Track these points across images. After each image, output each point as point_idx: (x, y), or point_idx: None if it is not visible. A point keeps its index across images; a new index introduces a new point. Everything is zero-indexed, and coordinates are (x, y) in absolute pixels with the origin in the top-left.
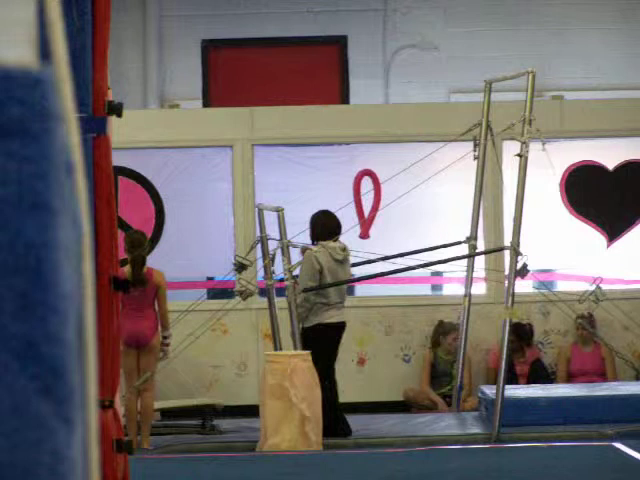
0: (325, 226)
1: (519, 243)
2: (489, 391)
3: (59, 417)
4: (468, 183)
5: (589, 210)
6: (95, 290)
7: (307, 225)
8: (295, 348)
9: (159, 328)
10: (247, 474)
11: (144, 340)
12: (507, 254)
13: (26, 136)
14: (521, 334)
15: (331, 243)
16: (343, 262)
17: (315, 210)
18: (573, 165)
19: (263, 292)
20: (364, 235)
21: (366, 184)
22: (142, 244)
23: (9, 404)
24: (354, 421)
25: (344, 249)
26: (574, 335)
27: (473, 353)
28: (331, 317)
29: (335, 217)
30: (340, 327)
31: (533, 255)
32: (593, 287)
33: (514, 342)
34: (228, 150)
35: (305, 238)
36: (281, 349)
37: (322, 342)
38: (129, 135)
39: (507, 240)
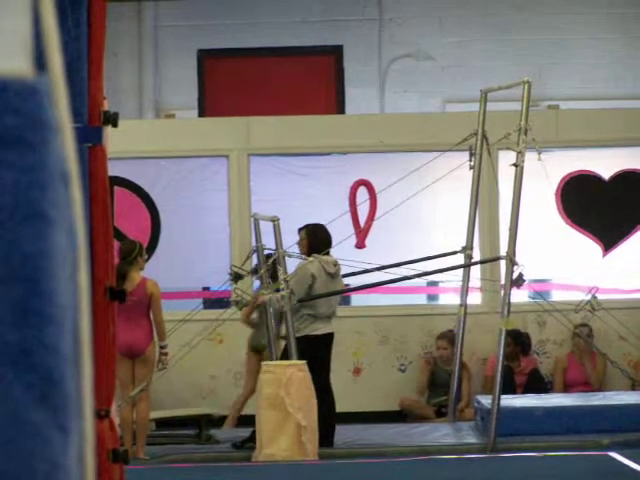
0: (321, 240)
1: (515, 253)
2: (485, 401)
3: (55, 426)
4: (464, 193)
5: (585, 220)
6: (91, 299)
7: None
8: (288, 357)
9: (154, 338)
10: None
11: (138, 350)
12: (503, 264)
13: (22, 146)
14: (518, 340)
15: (324, 256)
16: (334, 276)
17: (310, 220)
18: (569, 175)
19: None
20: (360, 245)
21: (362, 194)
22: (126, 255)
23: (5, 412)
24: (350, 431)
25: (335, 263)
26: (570, 345)
27: (469, 363)
28: (317, 329)
29: (328, 231)
30: (328, 338)
31: (529, 265)
32: (589, 297)
33: (510, 346)
34: (224, 160)
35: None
36: (277, 359)
37: (309, 354)
38: (125, 145)
39: (503, 250)
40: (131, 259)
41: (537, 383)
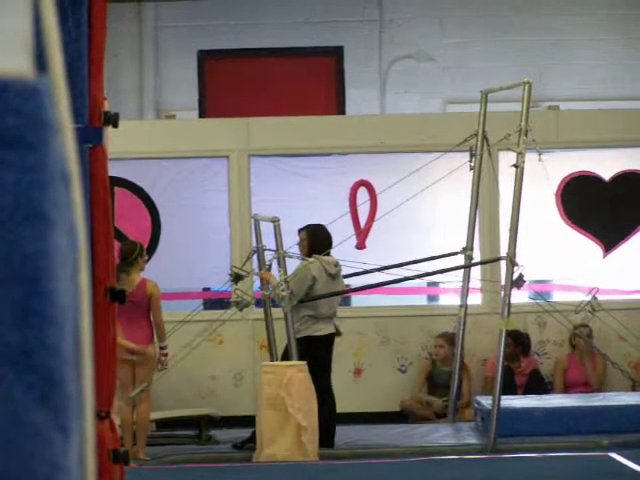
0: (322, 240)
1: (515, 253)
2: (485, 401)
3: (55, 427)
4: (464, 194)
5: (585, 220)
6: (91, 300)
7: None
8: (289, 358)
9: (154, 339)
10: None
11: (138, 351)
12: (503, 264)
13: (22, 146)
14: (518, 340)
15: (325, 257)
16: (335, 277)
17: (311, 221)
18: (569, 175)
19: (259, 303)
20: (360, 246)
21: (362, 195)
22: (126, 256)
23: (5, 413)
24: (350, 432)
25: (336, 264)
26: (569, 346)
27: (469, 363)
28: (319, 330)
29: (329, 232)
30: (329, 338)
31: (529, 265)
32: (589, 297)
33: (510, 347)
34: (224, 161)
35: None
36: (277, 359)
37: (311, 354)
38: (125, 146)
39: (503, 250)
40: (131, 260)
41: (538, 384)
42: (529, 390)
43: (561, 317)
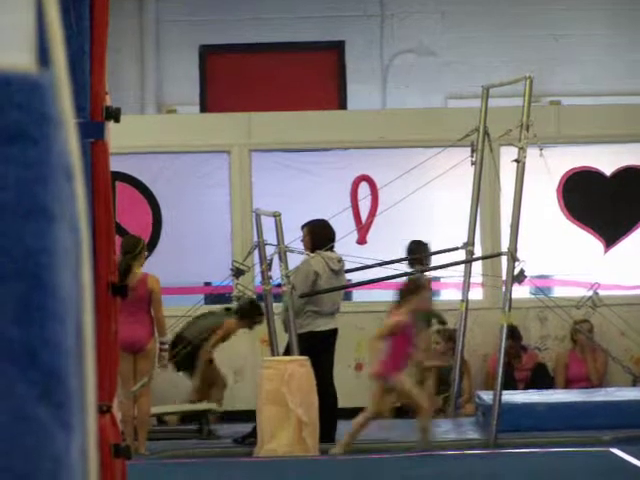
0: (324, 236)
1: (516, 249)
2: (486, 397)
3: (58, 422)
4: (465, 189)
5: (586, 216)
6: (93, 295)
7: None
8: (290, 353)
9: (155, 333)
10: (244, 479)
11: (139, 345)
12: (504, 260)
13: (25, 141)
14: (514, 335)
15: (328, 253)
16: (338, 273)
17: (312, 216)
18: (570, 171)
19: (260, 297)
20: (361, 240)
21: (363, 189)
22: (131, 249)
23: (8, 409)
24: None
25: (340, 260)
26: (571, 341)
27: (470, 358)
28: (321, 325)
29: (331, 227)
30: (331, 334)
31: (530, 261)
32: (590, 293)
33: (513, 348)
34: (225, 155)
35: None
36: (278, 354)
37: (313, 349)
38: (126, 140)
39: (504, 246)
40: (135, 254)
41: (542, 378)
42: (533, 384)
43: (562, 312)
